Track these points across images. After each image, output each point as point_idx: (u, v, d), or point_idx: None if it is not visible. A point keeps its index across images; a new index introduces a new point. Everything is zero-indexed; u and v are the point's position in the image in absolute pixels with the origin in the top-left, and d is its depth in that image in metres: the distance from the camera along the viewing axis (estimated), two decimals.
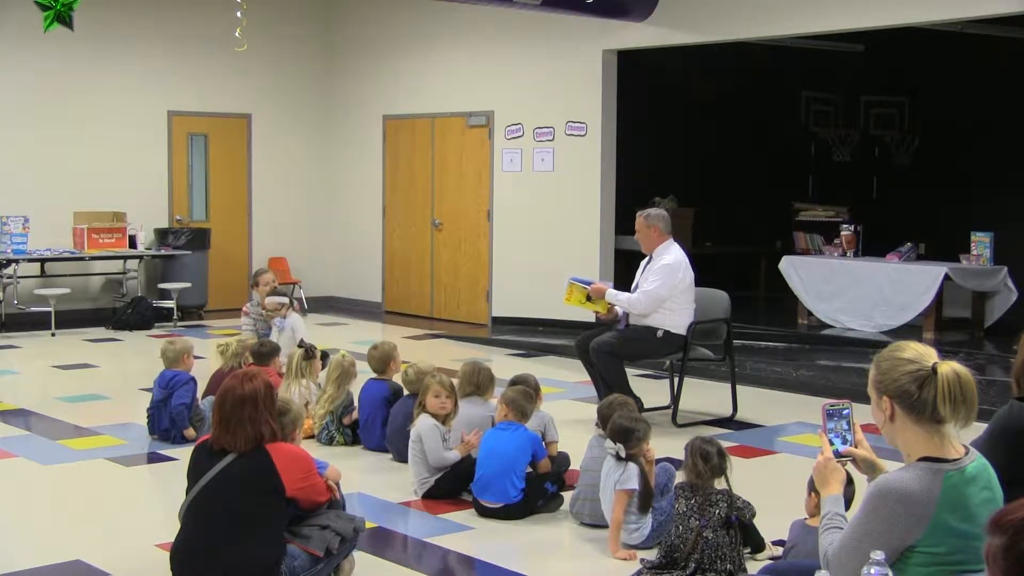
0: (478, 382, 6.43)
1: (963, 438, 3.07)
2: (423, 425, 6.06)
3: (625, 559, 5.10)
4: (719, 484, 4.84)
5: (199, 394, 7.53)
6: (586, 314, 11.06)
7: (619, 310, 7.95)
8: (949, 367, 2.93)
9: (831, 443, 3.19)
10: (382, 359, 7.27)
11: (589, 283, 8.03)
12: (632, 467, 5.25)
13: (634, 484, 5.21)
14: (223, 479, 4.25)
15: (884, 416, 3.00)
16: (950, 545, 2.86)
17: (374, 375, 7.31)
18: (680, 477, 4.91)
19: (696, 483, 4.80)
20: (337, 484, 4.84)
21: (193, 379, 7.37)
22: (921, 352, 2.98)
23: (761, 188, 14.80)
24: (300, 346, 7.66)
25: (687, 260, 7.87)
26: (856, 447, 3.20)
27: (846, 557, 2.92)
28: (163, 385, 7.30)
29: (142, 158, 13.49)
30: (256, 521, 4.25)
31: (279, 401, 4.76)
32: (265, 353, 7.59)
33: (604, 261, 11.97)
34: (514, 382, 6.29)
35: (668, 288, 7.70)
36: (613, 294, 7.88)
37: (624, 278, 10.24)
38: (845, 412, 3.22)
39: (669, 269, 7.73)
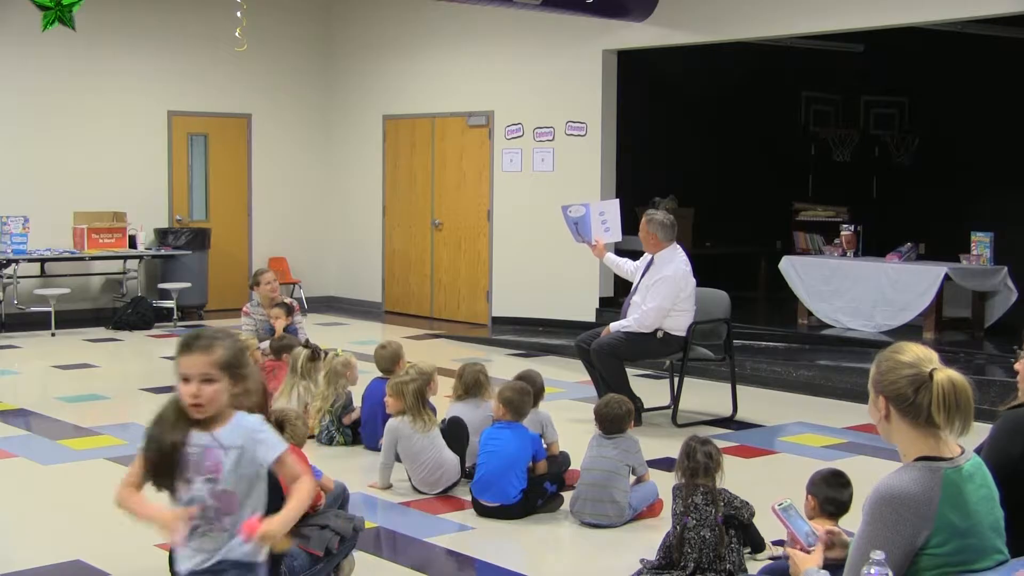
0: (465, 383, 6.44)
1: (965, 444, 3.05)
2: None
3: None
4: (716, 483, 4.84)
5: None
6: (586, 314, 11.09)
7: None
8: (945, 375, 2.89)
9: (800, 537, 3.36)
10: (391, 359, 7.24)
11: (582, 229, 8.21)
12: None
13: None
14: None
15: (880, 415, 3.00)
16: (954, 544, 2.86)
17: (380, 375, 7.28)
18: (677, 477, 4.91)
19: (691, 483, 4.81)
20: (344, 488, 4.87)
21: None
22: (921, 356, 2.94)
23: (761, 188, 14.79)
24: (305, 346, 7.66)
25: (688, 268, 7.83)
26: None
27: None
28: None
29: (142, 158, 13.49)
30: None
31: (284, 412, 4.77)
32: (282, 347, 7.72)
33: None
34: (520, 378, 6.30)
35: (670, 301, 7.71)
36: (619, 325, 7.83)
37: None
38: (792, 504, 3.46)
39: (669, 283, 7.70)
